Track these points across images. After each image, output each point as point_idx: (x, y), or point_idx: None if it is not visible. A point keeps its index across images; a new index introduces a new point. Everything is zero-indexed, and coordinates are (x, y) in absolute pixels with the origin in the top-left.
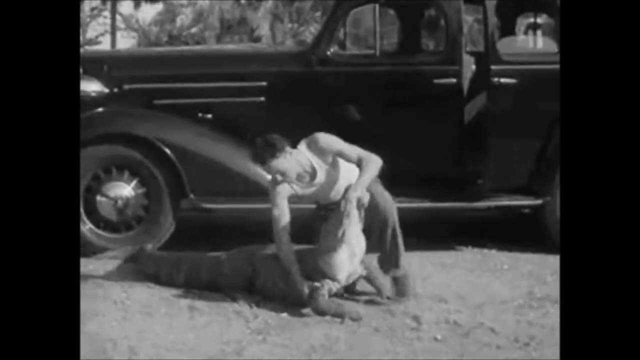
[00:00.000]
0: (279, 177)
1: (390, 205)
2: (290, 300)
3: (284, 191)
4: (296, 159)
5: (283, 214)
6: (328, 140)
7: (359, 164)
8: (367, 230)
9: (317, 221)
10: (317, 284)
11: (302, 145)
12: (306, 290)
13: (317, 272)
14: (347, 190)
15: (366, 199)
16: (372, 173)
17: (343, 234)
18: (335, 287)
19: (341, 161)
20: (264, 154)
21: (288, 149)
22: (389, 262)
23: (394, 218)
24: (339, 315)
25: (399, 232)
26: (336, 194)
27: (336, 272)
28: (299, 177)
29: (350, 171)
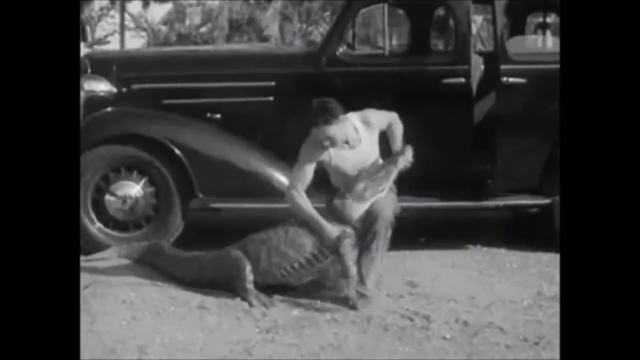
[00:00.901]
0: (327, 143)
1: (385, 216)
2: (292, 279)
3: (314, 155)
4: (347, 127)
5: (305, 175)
6: (376, 116)
7: (391, 129)
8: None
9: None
10: (347, 229)
11: (354, 116)
12: (335, 234)
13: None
14: (396, 154)
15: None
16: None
17: (382, 190)
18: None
19: (377, 136)
20: (318, 118)
21: (342, 116)
22: (362, 271)
23: (378, 232)
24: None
25: (380, 242)
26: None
27: (353, 220)
28: (344, 144)
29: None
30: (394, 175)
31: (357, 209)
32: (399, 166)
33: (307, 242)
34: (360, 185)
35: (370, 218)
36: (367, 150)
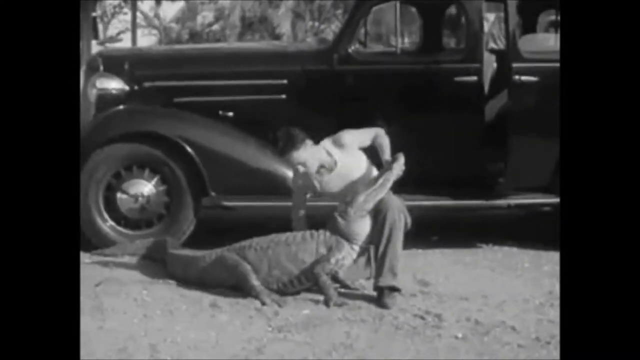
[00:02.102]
0: (301, 168)
1: (395, 205)
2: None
3: (303, 187)
4: (316, 151)
5: (300, 206)
6: (351, 136)
7: (377, 142)
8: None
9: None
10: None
11: (326, 141)
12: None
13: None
14: (389, 163)
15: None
16: (388, 149)
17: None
18: (354, 251)
19: (360, 153)
20: (285, 146)
21: (308, 141)
22: (379, 269)
23: (394, 220)
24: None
25: (396, 236)
26: (354, 185)
27: (359, 237)
28: (320, 169)
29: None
30: (390, 183)
31: (362, 226)
32: (394, 174)
33: (309, 260)
34: (361, 198)
35: (380, 213)
36: (349, 170)
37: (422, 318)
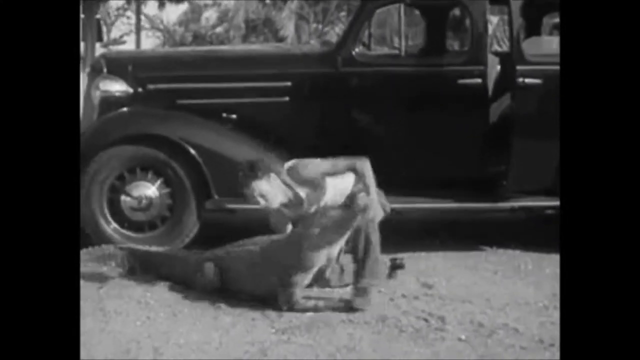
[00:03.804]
0: (262, 201)
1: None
2: (257, 296)
3: (282, 221)
4: (279, 185)
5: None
6: (308, 167)
7: (353, 171)
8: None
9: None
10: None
11: (284, 175)
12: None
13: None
14: (354, 197)
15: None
16: (371, 176)
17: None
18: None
19: (328, 177)
20: (246, 176)
21: (272, 174)
22: (358, 275)
23: (367, 226)
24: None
25: (373, 241)
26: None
27: (313, 267)
28: (285, 205)
29: (341, 179)
30: (351, 226)
31: (317, 257)
32: (361, 220)
33: (287, 264)
34: (315, 231)
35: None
36: (319, 201)
37: (425, 320)
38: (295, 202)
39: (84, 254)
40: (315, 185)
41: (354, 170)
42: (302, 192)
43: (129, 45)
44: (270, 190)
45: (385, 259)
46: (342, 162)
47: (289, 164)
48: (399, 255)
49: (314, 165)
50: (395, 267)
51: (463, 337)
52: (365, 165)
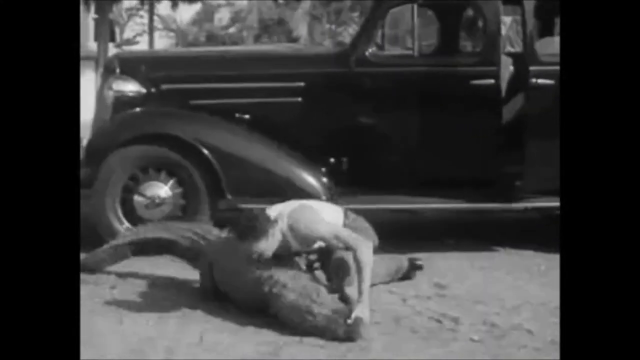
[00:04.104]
0: (254, 256)
1: (363, 243)
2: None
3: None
4: (277, 240)
5: None
6: (311, 225)
7: (350, 250)
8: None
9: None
10: None
11: (284, 226)
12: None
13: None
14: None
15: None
16: (368, 263)
17: None
18: None
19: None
20: (246, 233)
21: (271, 231)
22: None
23: (363, 259)
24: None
25: (367, 273)
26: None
27: None
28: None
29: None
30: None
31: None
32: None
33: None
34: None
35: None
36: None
37: (439, 321)
38: (283, 248)
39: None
40: (310, 243)
41: (354, 253)
42: (294, 243)
43: (142, 46)
44: (267, 248)
45: (404, 259)
46: (347, 234)
47: (291, 216)
48: (417, 256)
49: (317, 227)
50: (414, 267)
51: (476, 337)
52: (368, 252)
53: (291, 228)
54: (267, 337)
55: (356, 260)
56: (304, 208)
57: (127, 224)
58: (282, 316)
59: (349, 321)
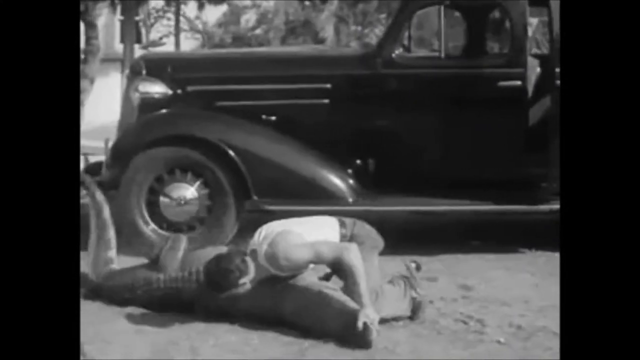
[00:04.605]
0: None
1: (351, 249)
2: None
3: None
4: (251, 277)
5: None
6: (289, 254)
7: (339, 262)
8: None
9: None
10: None
11: (262, 257)
12: None
13: None
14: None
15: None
16: (360, 266)
17: None
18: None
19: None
20: (219, 284)
21: (241, 281)
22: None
23: (352, 265)
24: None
25: (360, 277)
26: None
27: None
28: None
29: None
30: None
31: None
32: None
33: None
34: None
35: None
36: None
37: (464, 323)
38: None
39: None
40: (296, 268)
41: (340, 261)
42: (278, 272)
43: (168, 47)
44: (244, 287)
45: (407, 262)
46: (327, 248)
47: (269, 248)
48: (442, 258)
49: (295, 253)
50: (418, 268)
51: (502, 339)
52: (353, 255)
53: (268, 257)
54: (292, 338)
55: (345, 266)
56: (288, 234)
57: (152, 225)
58: (294, 321)
59: (359, 325)
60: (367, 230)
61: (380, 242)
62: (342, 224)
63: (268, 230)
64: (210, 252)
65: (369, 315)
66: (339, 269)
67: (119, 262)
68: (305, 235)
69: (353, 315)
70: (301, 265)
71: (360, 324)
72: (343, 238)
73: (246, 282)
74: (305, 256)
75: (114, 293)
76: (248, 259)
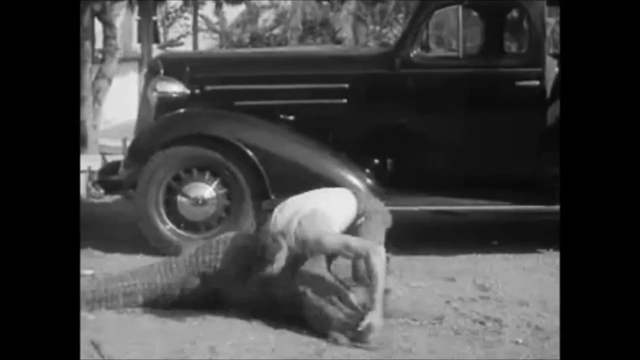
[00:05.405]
0: (267, 273)
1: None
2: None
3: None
4: (283, 260)
5: None
6: (320, 238)
7: (364, 259)
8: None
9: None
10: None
11: (292, 238)
12: None
13: None
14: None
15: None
16: (383, 267)
17: None
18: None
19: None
20: (262, 260)
21: (277, 255)
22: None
23: (376, 264)
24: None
25: (382, 278)
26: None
27: None
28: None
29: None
30: None
31: None
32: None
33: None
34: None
35: (363, 258)
36: None
37: (482, 323)
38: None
39: None
40: (319, 253)
41: (366, 261)
42: (303, 253)
43: (186, 47)
44: (275, 269)
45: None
46: (357, 245)
47: (301, 226)
48: (460, 257)
49: (326, 240)
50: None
51: (520, 340)
52: (380, 259)
53: (299, 240)
54: (309, 339)
55: (369, 266)
56: (315, 216)
57: (170, 225)
58: (302, 314)
59: (359, 328)
60: (378, 206)
61: (389, 219)
62: (358, 198)
63: (292, 209)
64: (228, 236)
65: (376, 320)
66: (356, 269)
67: (137, 262)
68: (331, 215)
69: (360, 314)
70: (329, 252)
71: (364, 324)
72: (359, 212)
73: (282, 259)
74: (335, 246)
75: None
76: (279, 236)
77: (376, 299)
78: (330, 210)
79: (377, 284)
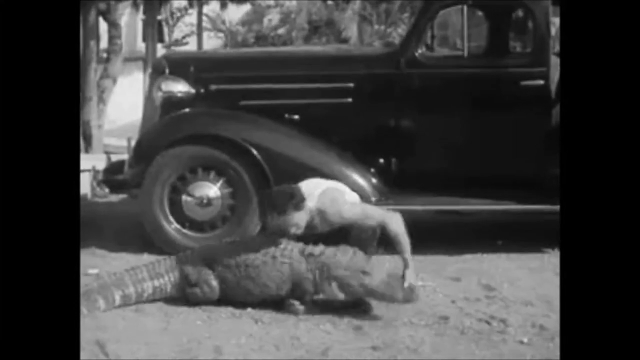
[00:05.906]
0: (292, 229)
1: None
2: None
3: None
4: (307, 216)
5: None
6: (340, 210)
7: (384, 228)
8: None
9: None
10: None
11: (313, 208)
12: None
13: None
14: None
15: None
16: (404, 234)
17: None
18: None
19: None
20: (287, 205)
21: (307, 203)
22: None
23: (397, 231)
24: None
25: (406, 241)
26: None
27: None
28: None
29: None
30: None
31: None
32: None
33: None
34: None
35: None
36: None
37: (487, 323)
38: (308, 228)
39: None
40: (334, 225)
41: (385, 226)
42: (321, 226)
43: (191, 46)
44: (302, 220)
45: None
46: (375, 212)
47: (320, 199)
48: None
49: (345, 210)
50: None
51: (525, 340)
52: (397, 222)
53: (320, 211)
54: (316, 339)
55: (390, 232)
56: (333, 191)
57: (175, 224)
58: (329, 294)
59: (405, 285)
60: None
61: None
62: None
63: (311, 187)
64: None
65: (413, 278)
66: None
67: (142, 261)
68: (345, 190)
69: (397, 275)
70: (349, 222)
71: (407, 285)
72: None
73: (303, 220)
74: (355, 216)
75: None
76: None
77: (407, 259)
78: (343, 188)
79: (403, 244)
